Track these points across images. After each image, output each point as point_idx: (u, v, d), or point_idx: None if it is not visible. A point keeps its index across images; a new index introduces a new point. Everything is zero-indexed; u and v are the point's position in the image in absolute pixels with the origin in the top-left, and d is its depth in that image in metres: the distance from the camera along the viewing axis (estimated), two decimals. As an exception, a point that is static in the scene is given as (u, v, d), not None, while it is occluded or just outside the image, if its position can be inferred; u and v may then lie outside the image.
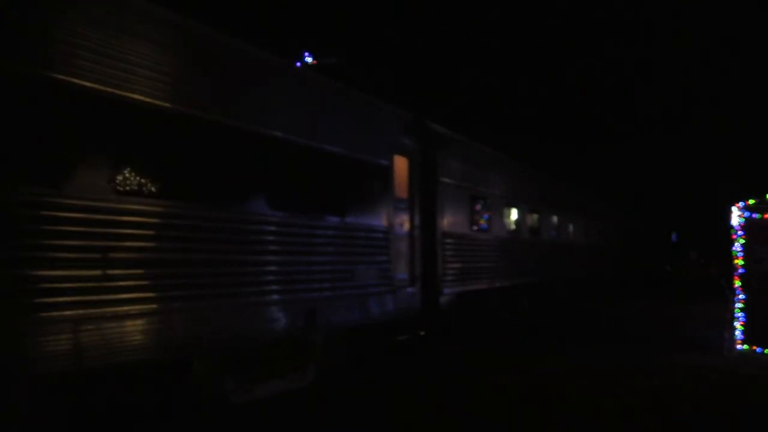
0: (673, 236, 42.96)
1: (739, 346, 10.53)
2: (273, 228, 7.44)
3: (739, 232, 10.67)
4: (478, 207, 13.31)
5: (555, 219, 18.74)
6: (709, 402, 7.60)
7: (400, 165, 10.49)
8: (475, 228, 13.09)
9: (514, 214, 15.36)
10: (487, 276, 13.57)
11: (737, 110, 39.75)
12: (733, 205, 10.78)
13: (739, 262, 10.62)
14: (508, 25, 38.95)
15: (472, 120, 27.82)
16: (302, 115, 8.10)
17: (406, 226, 10.55)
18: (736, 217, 10.73)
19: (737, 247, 10.67)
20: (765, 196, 10.47)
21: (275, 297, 7.41)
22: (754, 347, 10.35)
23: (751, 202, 10.60)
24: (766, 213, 10.42)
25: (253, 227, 7.19)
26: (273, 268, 7.39)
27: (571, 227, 20.37)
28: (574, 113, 40.28)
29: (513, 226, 15.34)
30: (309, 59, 20.09)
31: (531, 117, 36.89)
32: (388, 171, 9.95)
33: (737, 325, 10.61)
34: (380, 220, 9.68)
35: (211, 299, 6.51)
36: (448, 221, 11.75)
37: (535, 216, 17.00)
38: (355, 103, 9.47)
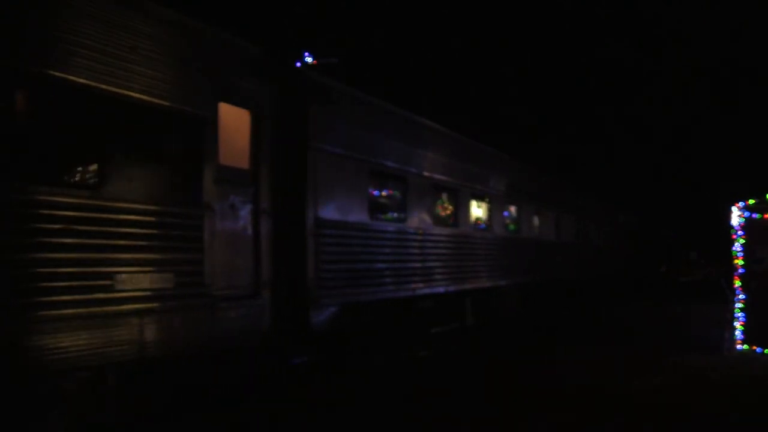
0: (673, 234, 40.83)
1: (739, 346, 10.49)
2: None
3: (739, 232, 10.63)
4: (386, 188, 10.05)
5: (515, 210, 15.33)
6: (709, 402, 7.46)
7: (236, 119, 7.23)
8: (381, 216, 9.77)
9: (449, 201, 12.02)
10: (410, 280, 10.28)
11: (738, 109, 39.81)
12: (733, 205, 10.73)
13: (739, 262, 10.58)
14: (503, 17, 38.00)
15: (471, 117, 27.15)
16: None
17: (246, 209, 7.26)
18: (736, 217, 10.69)
19: (737, 247, 10.63)
20: (765, 196, 10.47)
21: None
22: (754, 347, 10.34)
23: (751, 202, 10.58)
24: (766, 213, 10.45)
25: None
26: None
27: (538, 221, 16.90)
28: (573, 109, 39.64)
29: (449, 217, 12.01)
30: (309, 59, 19.18)
31: (528, 111, 36.34)
32: (204, 125, 6.63)
33: (737, 325, 10.53)
34: (185, 198, 6.41)
35: None
36: (329, 205, 8.43)
37: (486, 205, 13.63)
38: (139, 18, 6.12)
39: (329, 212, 8.42)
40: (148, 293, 5.89)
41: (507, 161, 15.37)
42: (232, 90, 7.12)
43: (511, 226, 15.20)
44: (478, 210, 13.32)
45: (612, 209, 26.87)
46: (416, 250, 10.54)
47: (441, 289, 11.35)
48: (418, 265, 10.59)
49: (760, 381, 8.59)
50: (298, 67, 8.20)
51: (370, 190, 9.49)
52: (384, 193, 9.98)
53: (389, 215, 10.02)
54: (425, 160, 11.00)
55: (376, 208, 9.62)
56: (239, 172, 7.22)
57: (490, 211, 13.65)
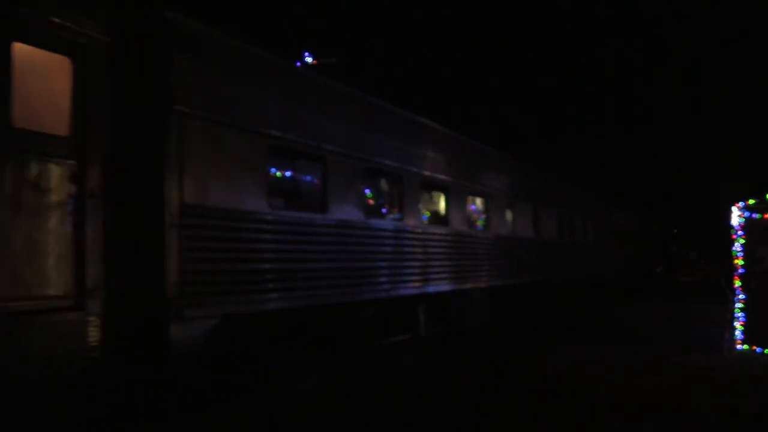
0: (672, 233, 39.88)
1: (739, 346, 10.45)
2: None
3: (739, 232, 10.57)
4: (297, 170, 8.17)
5: (483, 204, 13.40)
6: (709, 402, 7.34)
7: (48, 69, 5.37)
8: (287, 204, 7.83)
9: (389, 188, 10.10)
10: (337, 284, 8.41)
11: (737, 108, 39.76)
12: (733, 205, 10.67)
13: (739, 262, 10.52)
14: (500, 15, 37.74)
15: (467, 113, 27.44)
16: None
17: (63, 191, 5.38)
18: (736, 217, 10.63)
19: (737, 247, 10.57)
20: (765, 196, 10.42)
21: None
22: (754, 347, 10.31)
23: (751, 202, 10.53)
24: (766, 213, 10.39)
25: None
26: None
27: (512, 217, 14.95)
28: (574, 105, 40.57)
29: (389, 208, 10.12)
30: (309, 59, 19.22)
31: (528, 108, 36.89)
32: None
33: (737, 325, 10.46)
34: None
35: None
36: (204, 188, 6.49)
37: (442, 196, 11.71)
38: None
39: (203, 197, 6.50)
40: None
41: (472, 147, 13.48)
42: (36, 27, 5.24)
43: (479, 222, 13.28)
44: (430, 201, 11.43)
45: (611, 209, 25.60)
46: (344, 248, 8.64)
47: (383, 294, 9.46)
48: (348, 265, 8.69)
49: (760, 381, 8.54)
50: (154, 7, 6.28)
51: (271, 171, 7.58)
52: (293, 176, 8.10)
53: (301, 204, 8.11)
54: (353, 138, 9.10)
55: (280, 193, 7.70)
56: (51, 140, 5.34)
57: (448, 203, 11.72)
